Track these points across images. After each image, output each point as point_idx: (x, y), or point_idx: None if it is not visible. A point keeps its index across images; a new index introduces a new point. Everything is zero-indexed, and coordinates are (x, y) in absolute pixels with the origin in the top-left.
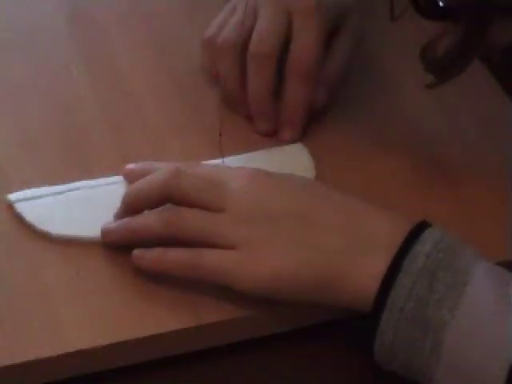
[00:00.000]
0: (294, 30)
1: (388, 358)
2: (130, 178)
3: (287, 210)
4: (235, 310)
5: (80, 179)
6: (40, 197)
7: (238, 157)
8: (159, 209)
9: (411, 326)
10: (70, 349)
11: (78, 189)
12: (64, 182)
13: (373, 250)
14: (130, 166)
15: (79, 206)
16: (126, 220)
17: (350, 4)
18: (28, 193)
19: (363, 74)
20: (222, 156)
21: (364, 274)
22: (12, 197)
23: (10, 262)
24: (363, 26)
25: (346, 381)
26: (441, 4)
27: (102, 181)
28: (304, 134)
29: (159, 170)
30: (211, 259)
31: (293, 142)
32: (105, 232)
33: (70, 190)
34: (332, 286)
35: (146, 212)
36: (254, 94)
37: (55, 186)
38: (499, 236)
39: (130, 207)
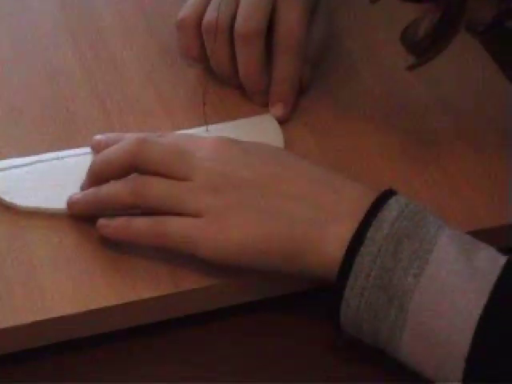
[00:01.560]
0: (279, 7)
1: (354, 326)
2: (97, 148)
3: (252, 179)
4: (212, 277)
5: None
6: (6, 169)
7: (209, 127)
8: (125, 178)
9: (376, 293)
10: (52, 315)
11: (45, 160)
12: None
13: (338, 219)
14: (98, 136)
15: (47, 178)
16: (91, 190)
17: None
18: None
19: (351, 50)
20: (206, 125)
21: (329, 242)
22: None
23: None
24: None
25: (320, 350)
26: None
27: (70, 152)
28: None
29: (125, 140)
30: (175, 227)
31: (285, 118)
32: (71, 203)
33: (37, 162)
34: (297, 255)
35: (111, 182)
36: (244, 73)
37: (22, 158)
38: (485, 209)
39: (96, 177)
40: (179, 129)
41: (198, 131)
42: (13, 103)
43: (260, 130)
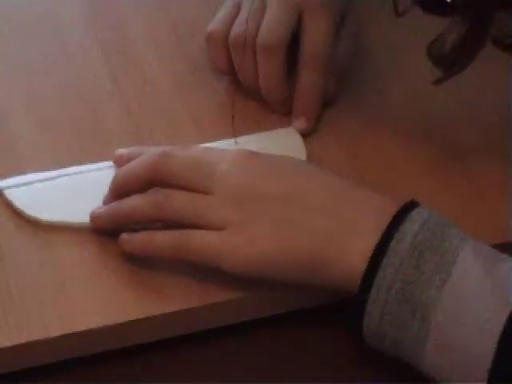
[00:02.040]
0: (305, 21)
1: (376, 338)
2: (120, 162)
3: (275, 192)
4: (240, 289)
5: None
6: (29, 183)
7: (230, 140)
8: (147, 192)
9: (398, 306)
10: (80, 328)
11: (68, 175)
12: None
13: (360, 231)
14: (120, 150)
15: (69, 192)
16: (113, 204)
17: None
18: (17, 179)
19: (377, 62)
20: (235, 137)
21: (351, 254)
22: (1, 184)
23: (22, 242)
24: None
25: (334, 362)
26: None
27: (92, 166)
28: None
29: (146, 154)
30: (197, 241)
31: (307, 132)
32: (93, 217)
33: (60, 176)
34: (319, 268)
35: (133, 195)
36: (265, 85)
37: (45, 173)
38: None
39: (119, 191)
40: (208, 141)
41: (226, 144)
42: (43, 117)
43: (283, 142)
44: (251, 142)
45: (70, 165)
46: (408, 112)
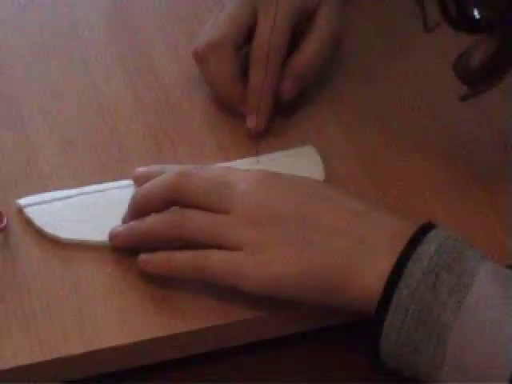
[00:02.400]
0: (259, 19)
1: (393, 358)
2: (139, 181)
3: (292, 212)
4: (262, 307)
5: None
6: (49, 201)
7: (249, 159)
8: (166, 211)
9: (415, 328)
10: (102, 345)
11: (87, 193)
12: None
13: (377, 252)
14: (139, 169)
15: (88, 211)
16: (133, 223)
17: None
18: (37, 197)
19: (401, 78)
20: (257, 156)
21: (368, 276)
22: (21, 202)
23: (45, 260)
24: (340, 17)
25: (347, 381)
26: (476, 16)
27: (111, 185)
28: (339, 138)
29: (166, 173)
30: (216, 261)
31: (258, 130)
32: (113, 236)
33: (79, 194)
34: (336, 289)
35: (152, 214)
36: (214, 81)
37: (65, 191)
38: None
39: (138, 210)
40: (230, 160)
41: (248, 162)
42: (65, 134)
43: (302, 162)
44: (271, 160)
45: (92, 183)
46: (431, 129)
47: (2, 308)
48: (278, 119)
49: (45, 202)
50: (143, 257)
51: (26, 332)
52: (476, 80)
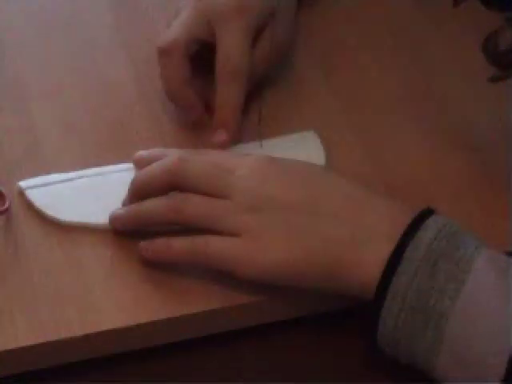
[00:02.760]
0: (218, 33)
1: (391, 345)
2: (140, 164)
3: (290, 199)
4: (245, 295)
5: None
6: (50, 184)
7: (250, 144)
8: (165, 196)
9: (412, 314)
10: (104, 328)
11: (88, 176)
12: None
13: (375, 238)
14: (140, 152)
15: (89, 193)
16: (132, 206)
17: (276, 4)
18: (38, 180)
19: (412, 80)
20: (261, 141)
21: (367, 262)
22: (22, 184)
23: (46, 243)
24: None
25: (346, 367)
26: None
27: (112, 168)
28: (343, 125)
29: (166, 157)
30: (215, 247)
31: (226, 145)
32: (112, 218)
33: (80, 177)
34: (335, 275)
35: (152, 198)
36: (165, 88)
37: (66, 173)
38: None
39: (137, 193)
40: (233, 144)
41: (251, 147)
42: (68, 118)
43: (303, 146)
44: (272, 145)
45: (94, 166)
46: (444, 132)
47: (4, 290)
48: (281, 106)
49: (45, 185)
50: (142, 244)
51: (28, 314)
52: (506, 62)
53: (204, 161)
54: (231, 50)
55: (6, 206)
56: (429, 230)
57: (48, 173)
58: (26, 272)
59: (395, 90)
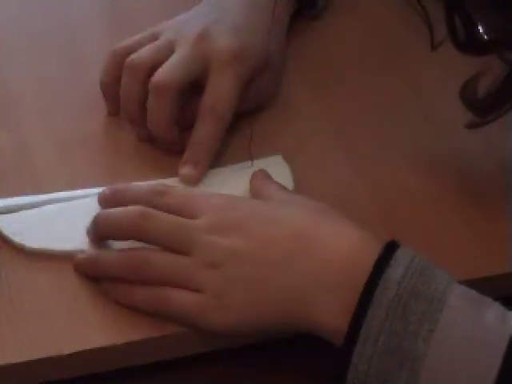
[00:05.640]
0: (211, 74)
1: None
2: (104, 204)
3: (245, 249)
4: None
5: (110, 184)
6: (18, 209)
7: (219, 169)
8: (126, 250)
9: (386, 358)
10: (91, 346)
11: (56, 200)
12: (94, 185)
13: (332, 287)
14: (105, 191)
15: (56, 220)
16: (93, 254)
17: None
18: (4, 202)
19: (407, 103)
20: (252, 160)
21: (327, 311)
22: None
23: (32, 259)
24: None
25: None
26: (485, 38)
27: (78, 192)
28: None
29: (125, 210)
30: (177, 304)
31: (194, 180)
32: (75, 263)
33: (46, 202)
34: (296, 325)
35: (112, 250)
36: (151, 121)
37: (32, 196)
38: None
39: (99, 236)
40: (224, 164)
41: (241, 167)
42: (61, 135)
43: (270, 171)
44: (237, 170)
45: (85, 185)
46: (439, 156)
47: None
48: (272, 124)
49: (12, 210)
50: (106, 286)
51: (16, 332)
52: (483, 109)
53: (165, 218)
54: (220, 95)
55: None
56: (398, 267)
57: (38, 191)
58: (14, 290)
59: (386, 112)
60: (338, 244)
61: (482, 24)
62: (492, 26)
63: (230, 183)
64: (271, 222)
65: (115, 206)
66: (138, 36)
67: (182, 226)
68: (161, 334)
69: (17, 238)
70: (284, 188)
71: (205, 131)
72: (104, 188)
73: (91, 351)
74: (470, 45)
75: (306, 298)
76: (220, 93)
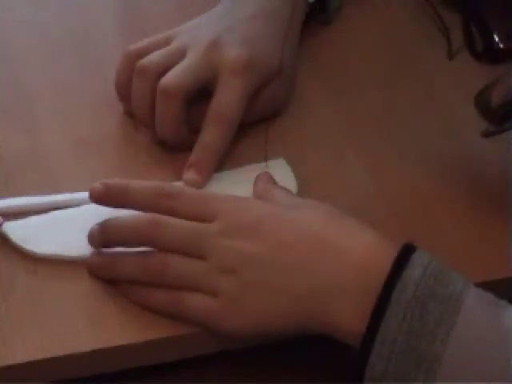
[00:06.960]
0: (220, 81)
1: None
2: (98, 200)
3: (262, 253)
4: None
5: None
6: (25, 215)
7: (224, 173)
8: (142, 254)
9: (403, 359)
10: (106, 345)
11: (64, 205)
12: None
13: (347, 289)
14: (96, 186)
15: (64, 225)
16: (109, 259)
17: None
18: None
19: (423, 111)
20: (266, 161)
21: (346, 310)
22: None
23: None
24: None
25: None
26: (501, 46)
27: (85, 194)
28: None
29: (136, 218)
30: (192, 308)
31: (197, 184)
32: (88, 264)
33: (52, 206)
34: (313, 328)
35: (127, 256)
36: (159, 125)
37: (37, 197)
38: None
39: (109, 245)
40: (240, 165)
41: (258, 167)
42: (78, 135)
43: (273, 174)
44: (241, 174)
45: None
46: (455, 163)
47: (14, 303)
48: (287, 127)
49: (20, 214)
50: (124, 287)
51: (39, 331)
52: (498, 117)
53: (178, 224)
54: (228, 103)
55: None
56: (416, 268)
57: (56, 191)
58: (35, 283)
59: (400, 117)
60: (354, 247)
61: (498, 33)
62: (509, 34)
63: (233, 187)
64: (285, 224)
65: (114, 204)
66: (153, 38)
67: (196, 231)
68: (178, 334)
69: (26, 245)
70: (289, 191)
71: (210, 136)
72: (97, 182)
73: (110, 349)
74: (487, 54)
75: (323, 300)
76: (227, 100)
